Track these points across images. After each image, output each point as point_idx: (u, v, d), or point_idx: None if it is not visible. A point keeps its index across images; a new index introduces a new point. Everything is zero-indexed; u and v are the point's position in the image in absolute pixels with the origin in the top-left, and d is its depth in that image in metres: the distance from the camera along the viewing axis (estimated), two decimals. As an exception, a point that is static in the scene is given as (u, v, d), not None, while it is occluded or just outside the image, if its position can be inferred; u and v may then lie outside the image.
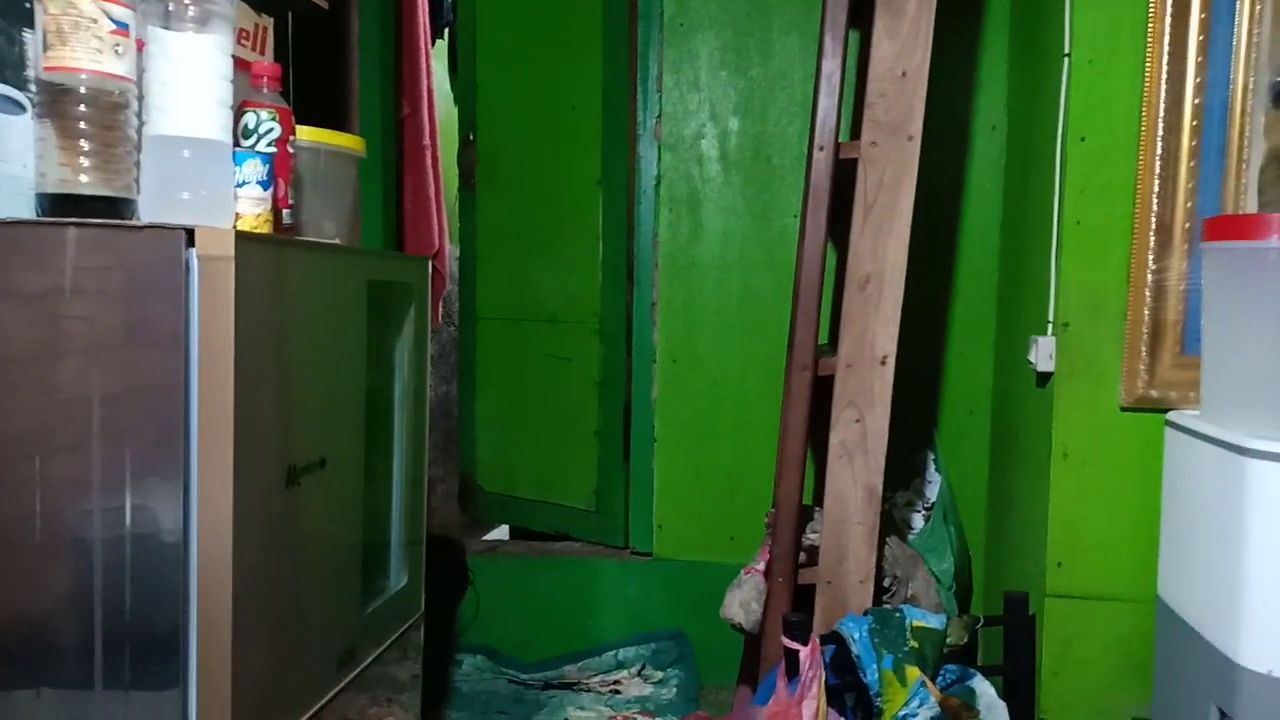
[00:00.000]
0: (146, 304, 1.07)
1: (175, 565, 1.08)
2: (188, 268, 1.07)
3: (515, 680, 2.44)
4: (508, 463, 2.85)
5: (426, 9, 2.83)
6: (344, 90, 2.39)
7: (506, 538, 3.00)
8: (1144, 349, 1.75)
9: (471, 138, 2.88)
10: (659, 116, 2.50)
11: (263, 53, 1.69)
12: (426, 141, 2.80)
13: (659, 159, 2.51)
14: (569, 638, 2.53)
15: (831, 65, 1.87)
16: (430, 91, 2.82)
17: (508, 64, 2.82)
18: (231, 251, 1.07)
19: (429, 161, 2.81)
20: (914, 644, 1.62)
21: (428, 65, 2.81)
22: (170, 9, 1.19)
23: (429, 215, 2.80)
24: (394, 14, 2.64)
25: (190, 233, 1.07)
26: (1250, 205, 1.73)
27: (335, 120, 2.36)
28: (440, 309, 3.06)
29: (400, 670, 1.68)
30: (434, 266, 2.86)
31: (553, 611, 2.56)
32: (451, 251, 3.04)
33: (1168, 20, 1.73)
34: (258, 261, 1.13)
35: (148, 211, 1.17)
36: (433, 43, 2.95)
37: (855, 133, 1.98)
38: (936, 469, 2.33)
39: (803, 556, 1.93)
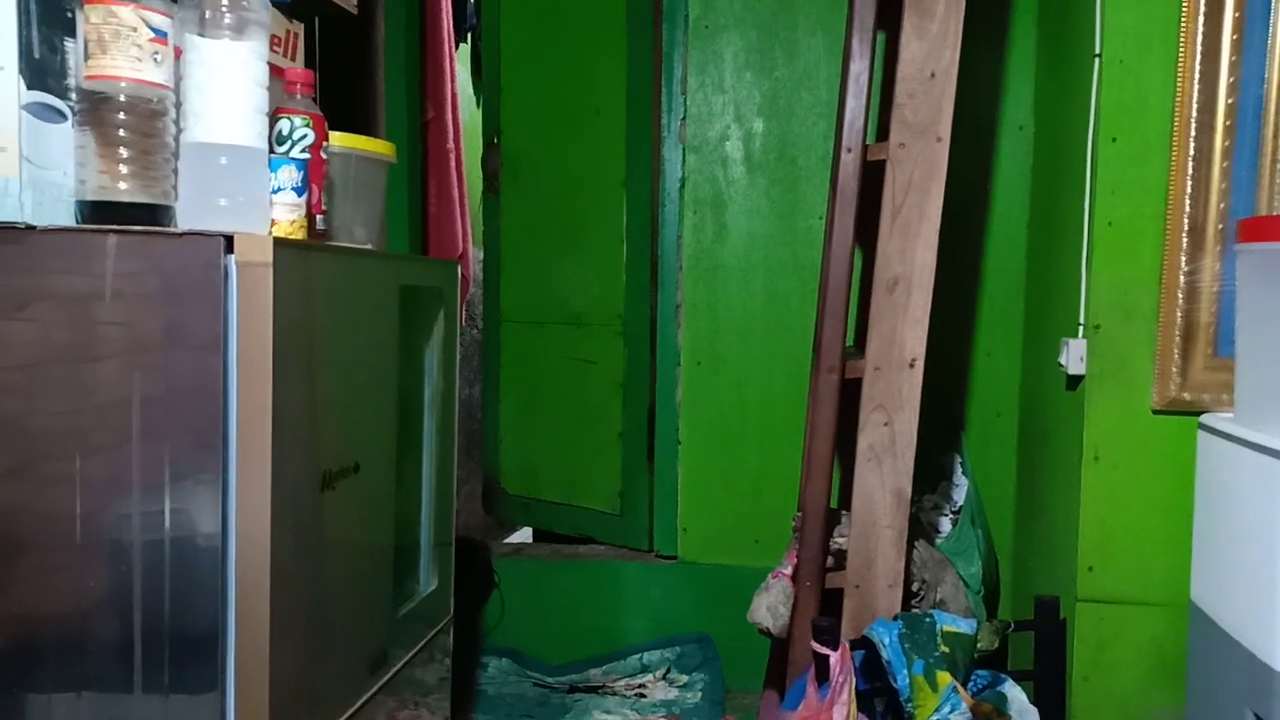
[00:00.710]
0: (185, 309, 1.08)
1: (214, 569, 1.09)
2: (226, 274, 1.08)
3: (540, 683, 2.44)
4: (531, 465, 2.86)
5: (450, 13, 2.85)
6: (370, 95, 2.40)
7: (530, 540, 3.01)
8: (1176, 351, 1.74)
9: (495, 141, 2.89)
10: (683, 118, 2.50)
11: (294, 59, 1.70)
12: (451, 145, 2.81)
13: (683, 161, 2.51)
14: (594, 641, 2.54)
15: (859, 66, 1.87)
16: (454, 95, 2.83)
17: (531, 67, 2.82)
18: (270, 258, 1.07)
19: (453, 165, 2.82)
20: (945, 649, 1.61)
21: (452, 69, 2.82)
22: (207, 16, 1.20)
23: (453, 218, 2.81)
24: (419, 18, 2.65)
25: (229, 239, 1.08)
26: (1285, 206, 1.71)
27: (361, 125, 2.37)
28: (464, 312, 3.07)
29: (429, 673, 1.68)
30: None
31: (577, 614, 2.57)
32: (475, 254, 3.05)
33: (1200, 19, 1.72)
34: (295, 267, 1.13)
35: (185, 218, 1.18)
36: (456, 46, 2.96)
37: (881, 134, 1.97)
38: (963, 472, 2.32)
39: (830, 560, 1.92)
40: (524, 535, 3.11)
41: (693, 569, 2.54)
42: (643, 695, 2.37)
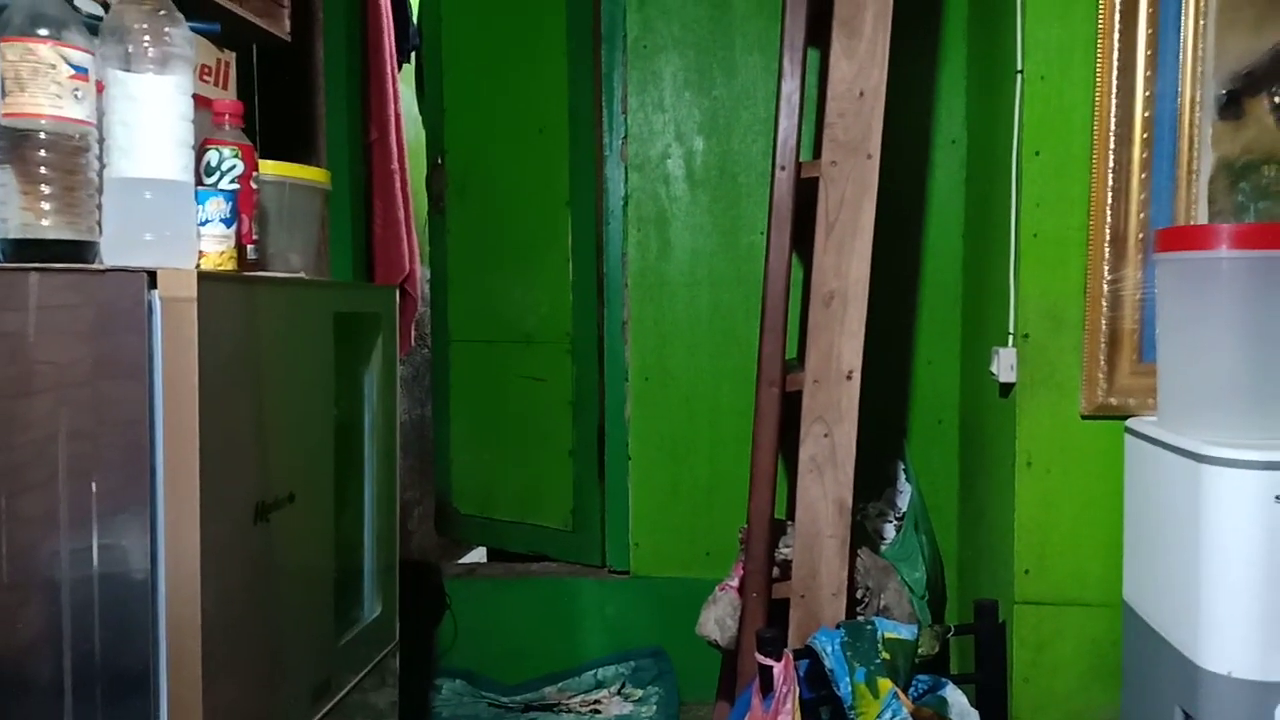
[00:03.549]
0: (110, 346, 1.08)
1: (144, 605, 1.09)
2: (150, 310, 1.08)
3: (495, 703, 2.44)
4: (484, 484, 2.86)
5: (392, 33, 2.85)
6: (310, 119, 2.40)
7: (484, 560, 3.01)
8: (1102, 358, 1.79)
9: (440, 161, 2.90)
10: (625, 137, 2.53)
11: (225, 88, 1.70)
12: (395, 165, 2.80)
13: (626, 179, 2.53)
14: (548, 658, 2.54)
15: (791, 86, 1.90)
16: (398, 115, 2.83)
17: (474, 87, 2.84)
18: (194, 292, 1.08)
19: (398, 185, 2.82)
20: (886, 655, 1.64)
21: (395, 89, 2.82)
22: (130, 51, 1.20)
23: (399, 239, 2.80)
24: (359, 40, 2.65)
25: (152, 275, 1.08)
26: (1201, 215, 1.77)
27: (302, 149, 2.37)
28: (413, 332, 3.06)
29: (378, 698, 1.68)
30: (405, 290, 2.87)
31: (531, 633, 2.57)
32: (423, 274, 3.05)
33: (1116, 35, 1.78)
34: (221, 300, 1.13)
35: (111, 253, 1.18)
36: (400, 66, 2.96)
37: (818, 151, 2.01)
38: (907, 478, 2.36)
39: (776, 571, 1.95)
40: (479, 555, 3.11)
41: (646, 583, 2.55)
42: (598, 711, 2.38)
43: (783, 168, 1.89)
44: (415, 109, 3.20)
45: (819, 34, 1.97)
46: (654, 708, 2.34)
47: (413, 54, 3.19)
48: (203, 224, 1.27)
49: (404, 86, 3.02)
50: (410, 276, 2.87)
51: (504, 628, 2.58)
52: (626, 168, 2.52)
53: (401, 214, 2.83)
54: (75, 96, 1.15)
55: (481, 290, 2.84)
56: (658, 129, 2.51)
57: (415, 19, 3.02)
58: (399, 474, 1.77)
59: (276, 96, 2.18)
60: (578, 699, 2.43)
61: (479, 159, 2.83)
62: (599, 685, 2.47)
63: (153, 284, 1.08)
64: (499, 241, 2.80)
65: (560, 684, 2.49)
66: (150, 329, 1.08)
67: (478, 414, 2.86)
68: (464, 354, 2.88)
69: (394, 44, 2.86)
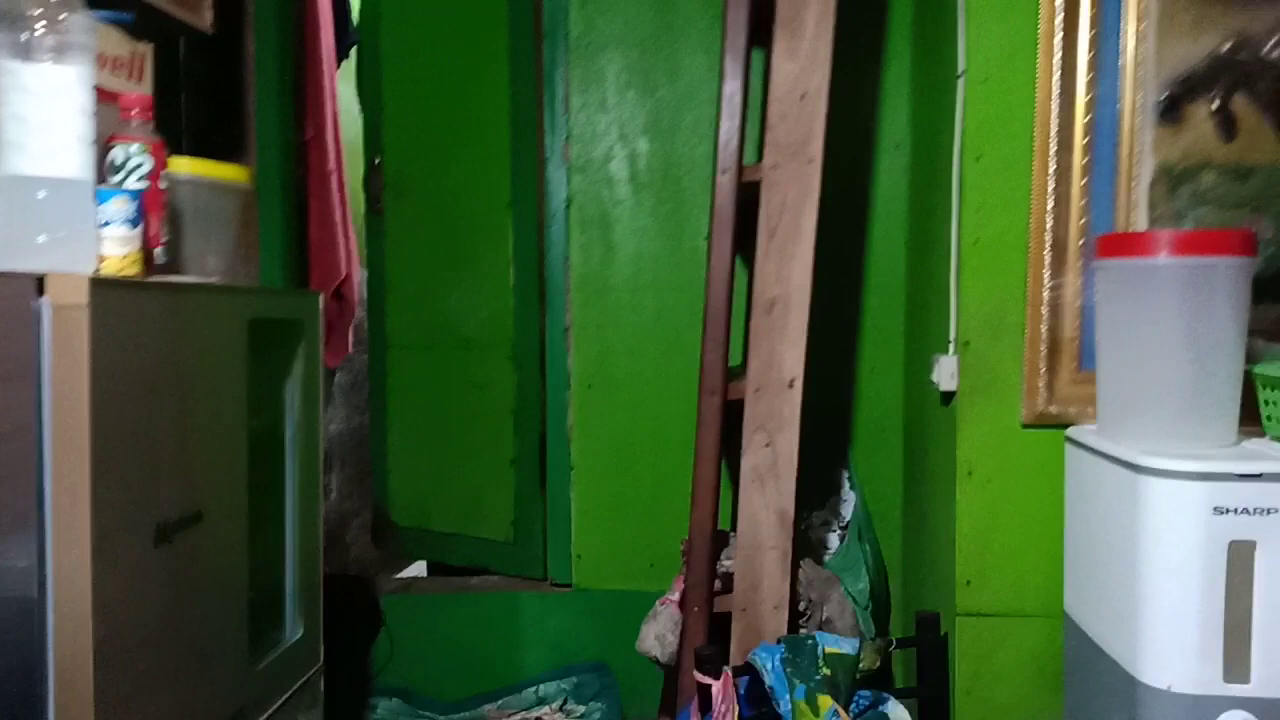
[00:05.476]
0: (-6, 356, 1.01)
1: (30, 634, 1.01)
2: (38, 317, 1.00)
3: (433, 720, 2.37)
4: (422, 496, 2.78)
5: (330, 29, 2.77)
6: (239, 116, 2.31)
7: (424, 573, 2.93)
8: (1043, 366, 1.77)
9: (378, 161, 2.82)
10: (567, 138, 2.47)
11: (141, 81, 1.62)
12: (332, 165, 2.72)
13: (568, 181, 2.48)
14: (488, 675, 2.47)
15: (732, 87, 1.87)
16: (335, 114, 2.75)
17: (413, 86, 2.77)
18: (85, 299, 1.01)
19: (335, 186, 2.74)
20: (826, 671, 1.60)
21: (332, 87, 2.74)
22: (25, 39, 1.13)
23: (336, 242, 2.72)
24: (294, 35, 2.57)
25: (40, 280, 1.01)
26: (1141, 221, 1.76)
27: (231, 148, 2.28)
28: (351, 337, 2.98)
29: (303, 721, 1.61)
30: (343, 294, 2.79)
31: (471, 649, 2.50)
32: (361, 277, 2.96)
33: (1058, 38, 1.76)
34: (117, 307, 1.06)
35: (1, 257, 1.10)
36: (338, 64, 2.88)
37: (761, 154, 1.97)
38: (851, 486, 2.33)
39: (719, 584, 1.91)
40: (419, 569, 3.03)
41: (588, 596, 2.50)
42: (539, 727, 2.32)
43: (724, 171, 1.85)
44: (356, 108, 3.12)
45: (763, 35, 1.94)
46: (596, 723, 2.29)
47: (352, 50, 3.11)
48: (103, 225, 1.19)
49: (343, 84, 2.93)
50: (348, 280, 2.79)
51: (442, 644, 2.51)
52: (569, 169, 2.47)
53: (339, 216, 2.75)
54: (-42, 87, 1.07)
55: (421, 294, 2.77)
56: (600, 130, 2.46)
57: (355, 15, 2.94)
58: (337, 485, 1.70)
59: (205, 92, 2.10)
60: (518, 716, 2.37)
61: (418, 159, 2.75)
62: (540, 702, 2.41)
63: (41, 290, 1.01)
64: (439, 244, 2.73)
65: (500, 701, 2.43)
66: (39, 337, 1.00)
67: (416, 422, 2.78)
68: (402, 360, 2.80)
69: (332, 40, 2.78)
